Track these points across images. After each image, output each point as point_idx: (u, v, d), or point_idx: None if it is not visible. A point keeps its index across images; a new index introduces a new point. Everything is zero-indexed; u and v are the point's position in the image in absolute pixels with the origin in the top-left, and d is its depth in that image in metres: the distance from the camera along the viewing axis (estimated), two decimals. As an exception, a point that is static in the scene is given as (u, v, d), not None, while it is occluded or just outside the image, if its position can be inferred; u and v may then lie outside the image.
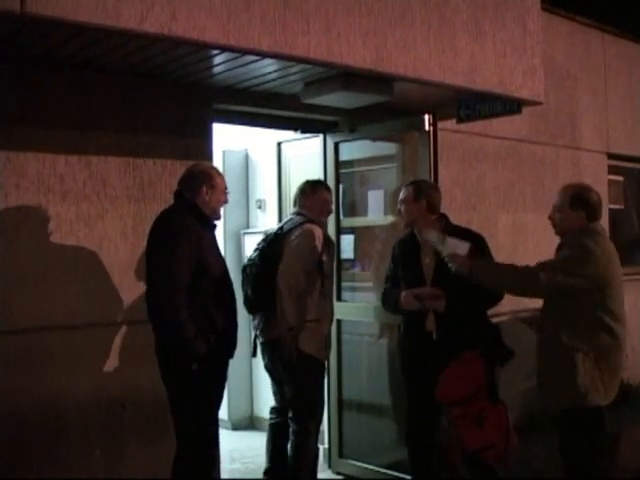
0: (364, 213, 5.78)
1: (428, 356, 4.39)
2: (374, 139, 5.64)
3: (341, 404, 5.61)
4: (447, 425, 4.45)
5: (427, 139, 4.98)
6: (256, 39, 3.74)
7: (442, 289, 4.31)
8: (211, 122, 4.97)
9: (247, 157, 7.15)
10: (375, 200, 5.58)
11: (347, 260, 5.74)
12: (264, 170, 6.91)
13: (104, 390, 4.42)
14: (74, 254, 4.35)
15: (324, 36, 4.01)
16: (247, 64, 4.25)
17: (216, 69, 4.41)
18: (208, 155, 4.94)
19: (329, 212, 4.92)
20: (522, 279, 4.01)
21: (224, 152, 6.93)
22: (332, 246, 4.88)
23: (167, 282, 3.85)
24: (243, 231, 6.93)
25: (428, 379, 4.32)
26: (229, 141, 6.84)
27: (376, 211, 5.59)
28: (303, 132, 5.81)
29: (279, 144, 6.67)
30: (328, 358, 5.00)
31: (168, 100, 4.69)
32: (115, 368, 4.48)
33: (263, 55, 3.91)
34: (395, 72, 4.43)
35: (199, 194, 4.09)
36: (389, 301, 4.66)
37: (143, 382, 4.49)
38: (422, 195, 4.46)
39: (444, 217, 4.57)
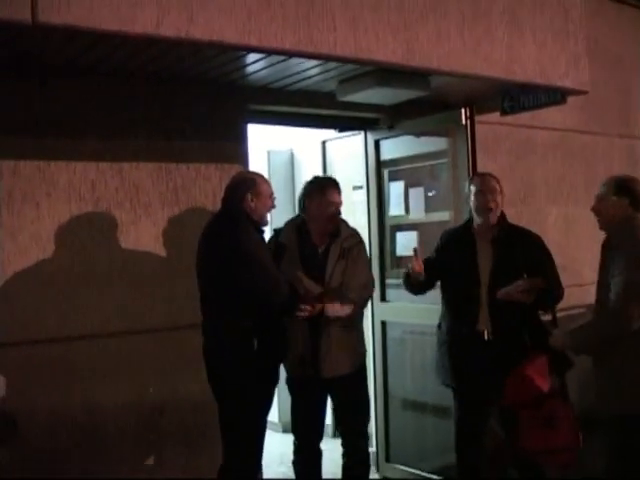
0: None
1: (479, 359, 4.22)
2: (418, 135, 5.47)
3: (387, 408, 5.51)
4: (498, 427, 4.32)
5: (465, 133, 4.84)
6: (279, 38, 3.62)
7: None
8: (246, 123, 4.90)
9: (292, 157, 7.07)
10: (416, 197, 5.43)
11: (405, 257, 5.42)
12: (309, 170, 6.81)
13: (142, 399, 4.39)
14: (108, 262, 4.33)
15: (351, 32, 3.88)
16: (275, 64, 4.17)
17: (245, 70, 4.34)
18: (243, 157, 4.86)
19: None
20: (607, 329, 3.66)
21: (269, 152, 6.87)
22: (281, 250, 4.40)
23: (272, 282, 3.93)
24: (290, 232, 6.83)
25: (479, 383, 4.19)
26: (274, 141, 6.77)
27: (417, 209, 5.43)
28: (341, 130, 5.72)
29: (324, 143, 6.58)
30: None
31: (200, 102, 4.63)
32: (152, 376, 4.44)
33: (287, 54, 3.80)
34: (428, 66, 4.26)
35: (244, 201, 4.04)
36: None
37: (180, 389, 4.47)
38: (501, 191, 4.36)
39: (502, 213, 4.41)
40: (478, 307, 4.23)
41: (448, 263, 4.41)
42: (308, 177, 6.70)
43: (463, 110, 4.84)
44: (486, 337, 4.23)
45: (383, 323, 5.44)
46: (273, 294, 3.96)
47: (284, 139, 6.89)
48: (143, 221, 4.45)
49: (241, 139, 4.86)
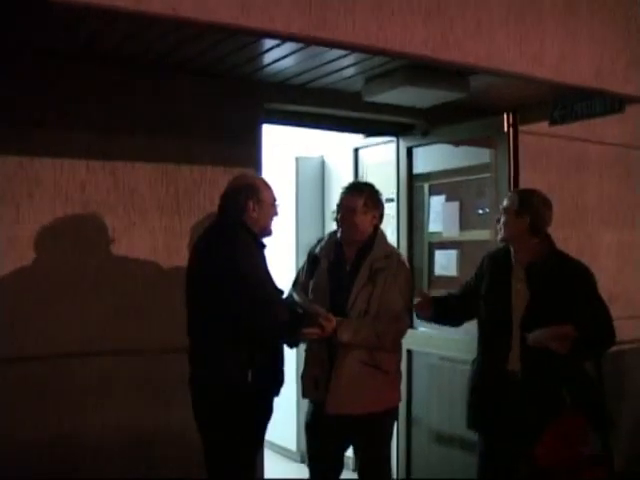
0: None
1: (507, 400, 3.66)
2: (455, 144, 4.93)
3: (409, 442, 5.05)
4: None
5: (506, 142, 4.28)
6: (284, 19, 3.11)
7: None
8: (261, 123, 4.44)
9: (323, 164, 6.59)
10: (449, 212, 4.89)
11: (443, 278, 5.03)
12: (341, 178, 6.31)
13: (129, 425, 3.99)
14: (95, 272, 3.93)
15: (373, 16, 3.34)
16: (289, 54, 3.71)
17: (257, 62, 3.90)
18: (256, 161, 4.41)
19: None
20: None
21: (297, 159, 6.40)
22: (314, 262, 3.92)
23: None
24: (317, 244, 6.36)
25: (505, 427, 3.66)
26: (304, 147, 6.34)
27: (451, 225, 4.89)
28: (369, 135, 5.21)
29: (356, 150, 6.08)
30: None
31: (209, 97, 4.22)
32: (141, 400, 4.03)
33: (293, 39, 3.27)
34: (464, 61, 3.72)
35: (246, 211, 3.50)
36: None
37: (171, 416, 4.05)
38: (527, 210, 3.67)
39: (548, 239, 3.77)
40: (509, 346, 3.67)
41: (482, 293, 3.86)
42: (339, 186, 6.29)
43: (505, 116, 4.26)
44: (514, 379, 3.68)
45: (409, 352, 4.89)
46: (259, 325, 3.40)
47: (315, 146, 6.43)
48: (138, 228, 4.04)
49: (255, 141, 4.41)
